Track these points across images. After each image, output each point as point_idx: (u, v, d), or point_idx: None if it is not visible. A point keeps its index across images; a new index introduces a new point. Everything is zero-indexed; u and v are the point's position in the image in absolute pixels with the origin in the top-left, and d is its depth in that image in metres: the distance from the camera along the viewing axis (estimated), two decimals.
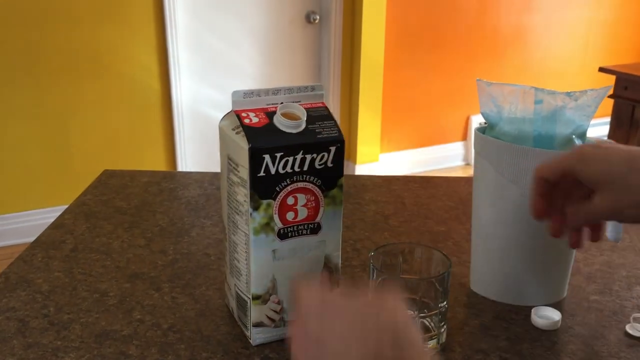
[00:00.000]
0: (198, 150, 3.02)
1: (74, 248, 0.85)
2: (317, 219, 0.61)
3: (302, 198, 0.60)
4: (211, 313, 0.70)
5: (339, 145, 0.60)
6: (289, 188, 0.59)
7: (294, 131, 0.58)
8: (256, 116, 0.59)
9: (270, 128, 0.58)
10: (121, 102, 2.78)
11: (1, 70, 2.53)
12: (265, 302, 0.63)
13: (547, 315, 0.69)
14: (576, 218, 0.57)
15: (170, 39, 2.76)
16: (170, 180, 1.10)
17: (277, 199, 0.59)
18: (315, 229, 0.61)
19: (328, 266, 0.64)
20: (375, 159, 3.39)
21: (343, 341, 0.40)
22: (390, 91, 3.33)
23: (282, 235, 0.60)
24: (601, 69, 2.68)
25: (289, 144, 0.58)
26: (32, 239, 0.94)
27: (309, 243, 0.62)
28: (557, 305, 0.71)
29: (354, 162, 3.35)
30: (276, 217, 0.60)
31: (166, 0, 2.69)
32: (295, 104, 0.61)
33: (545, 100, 0.66)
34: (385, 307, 0.42)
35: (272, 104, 0.60)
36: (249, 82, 3.06)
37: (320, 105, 0.62)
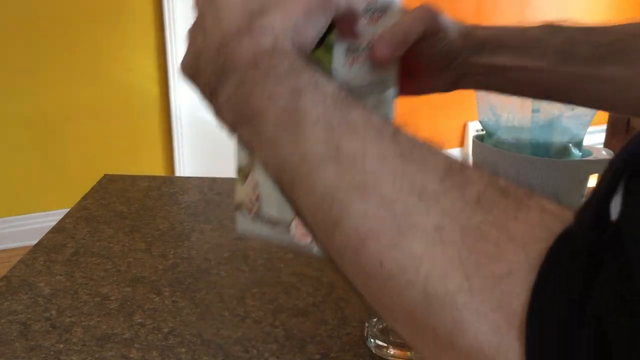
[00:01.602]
0: (196, 155, 3.03)
1: (75, 252, 0.85)
2: None
3: None
4: (211, 317, 0.71)
5: None
6: None
7: None
8: None
9: None
10: (119, 107, 2.79)
11: None
12: (245, 178, 0.52)
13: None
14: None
15: (170, 44, 2.77)
16: (170, 185, 1.10)
17: None
18: None
19: None
20: None
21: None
22: None
23: None
24: None
25: None
26: (29, 242, 0.95)
27: None
28: None
29: None
30: None
31: (165, 5, 2.70)
32: None
33: (542, 109, 0.67)
34: None
35: None
36: None
37: None
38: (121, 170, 2.79)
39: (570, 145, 0.67)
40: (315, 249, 0.46)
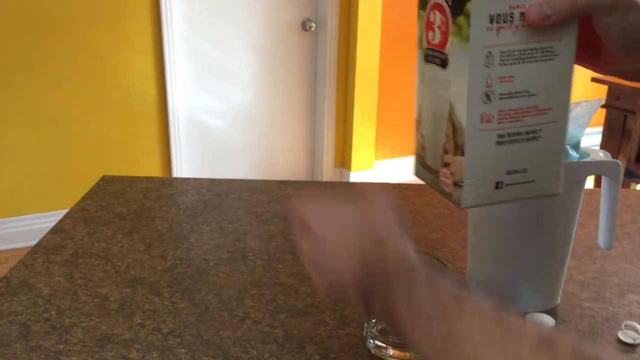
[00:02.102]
0: (193, 156, 3.03)
1: (74, 253, 0.86)
2: (445, 49, 0.50)
3: (438, 17, 0.50)
4: (211, 318, 0.71)
5: None
6: (432, 1, 0.51)
7: None
8: None
9: None
10: (117, 108, 2.79)
11: None
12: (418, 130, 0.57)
13: (541, 322, 0.70)
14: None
15: (167, 46, 2.77)
16: (169, 186, 1.11)
17: (425, 12, 0.52)
18: (444, 61, 0.50)
19: (451, 119, 0.51)
20: (370, 165, 3.41)
21: (338, 239, 0.49)
22: (385, 98, 3.35)
23: (426, 57, 0.53)
24: (593, 79, 2.71)
25: None
26: (28, 243, 0.95)
27: (439, 77, 0.51)
28: (551, 312, 0.73)
29: (349, 169, 3.37)
30: (423, 34, 0.53)
31: (163, 7, 2.71)
32: None
33: None
34: (373, 210, 0.50)
35: None
36: (244, 89, 3.07)
37: None
38: (119, 171, 2.80)
39: (568, 147, 0.68)
40: (456, 195, 0.51)
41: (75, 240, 0.90)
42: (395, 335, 0.49)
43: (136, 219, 0.97)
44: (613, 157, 0.73)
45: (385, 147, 3.48)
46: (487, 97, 0.48)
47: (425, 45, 0.52)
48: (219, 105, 3.04)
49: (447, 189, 0.52)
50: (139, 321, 0.70)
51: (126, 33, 2.70)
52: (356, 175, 3.36)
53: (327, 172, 3.38)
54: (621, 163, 0.70)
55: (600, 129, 2.72)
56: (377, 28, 3.18)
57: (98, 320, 0.70)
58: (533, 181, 0.51)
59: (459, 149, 0.49)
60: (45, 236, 0.90)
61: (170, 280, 0.79)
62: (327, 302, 0.74)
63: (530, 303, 0.73)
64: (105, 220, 0.96)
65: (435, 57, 0.51)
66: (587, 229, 0.96)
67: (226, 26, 2.93)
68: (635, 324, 0.69)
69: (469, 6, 0.45)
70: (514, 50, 0.47)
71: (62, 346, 0.65)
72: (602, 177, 0.69)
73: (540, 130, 0.49)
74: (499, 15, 0.46)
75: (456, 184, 0.50)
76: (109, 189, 1.08)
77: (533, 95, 0.48)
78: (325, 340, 0.67)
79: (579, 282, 0.81)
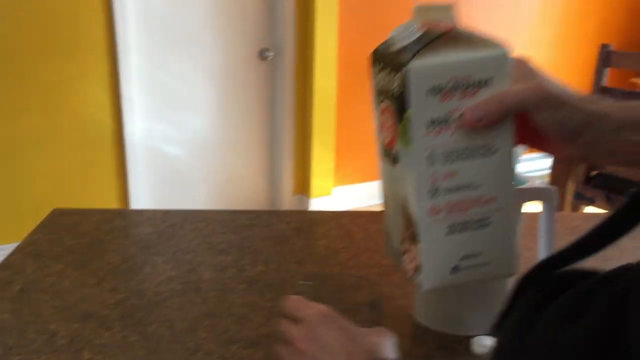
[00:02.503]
0: (151, 185, 3.00)
1: (22, 288, 0.84)
2: (394, 149, 0.53)
3: (387, 118, 0.53)
4: (162, 351, 0.71)
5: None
6: (382, 105, 0.54)
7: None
8: None
9: None
10: (72, 139, 2.75)
11: None
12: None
13: (487, 344, 0.72)
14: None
15: (123, 77, 2.76)
16: (123, 219, 1.10)
17: (378, 112, 0.55)
18: (394, 159, 0.54)
19: (405, 212, 0.54)
20: (328, 192, 3.44)
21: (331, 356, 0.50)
22: (343, 126, 3.39)
23: (381, 153, 0.56)
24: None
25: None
26: None
27: (393, 172, 0.55)
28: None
29: (308, 196, 3.39)
30: (378, 131, 0.56)
31: (119, 38, 2.70)
32: None
33: None
34: (370, 339, 0.52)
35: None
36: (202, 119, 3.07)
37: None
38: (75, 204, 2.75)
39: None
40: (416, 279, 0.53)
41: (24, 275, 0.88)
42: None
43: (88, 252, 0.96)
44: (562, 180, 0.76)
45: (345, 174, 3.51)
46: (434, 192, 0.51)
47: (380, 141, 0.56)
48: (177, 135, 3.03)
49: (409, 273, 0.55)
50: (88, 357, 0.69)
51: (81, 64, 2.68)
52: (316, 202, 3.38)
53: (287, 200, 3.39)
54: (571, 185, 0.73)
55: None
56: (334, 56, 3.24)
57: (46, 356, 0.69)
58: (488, 263, 0.53)
59: (414, 238, 0.52)
60: None
61: (122, 314, 0.79)
62: None
63: (477, 326, 0.75)
64: (56, 254, 0.95)
65: (387, 154, 0.55)
66: (531, 252, 0.99)
67: (183, 56, 2.94)
68: None
69: (410, 112, 0.49)
70: (454, 150, 0.50)
71: None
72: (542, 202, 0.72)
73: (489, 217, 0.52)
74: (438, 119, 0.49)
75: (416, 269, 0.53)
76: (60, 222, 1.07)
77: (478, 186, 0.51)
78: None
79: None
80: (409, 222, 0.53)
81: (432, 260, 0.52)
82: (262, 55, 3.15)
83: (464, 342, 0.74)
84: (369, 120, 3.48)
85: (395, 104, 0.51)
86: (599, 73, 2.68)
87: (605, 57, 2.65)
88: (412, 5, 0.53)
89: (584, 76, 3.97)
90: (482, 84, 0.49)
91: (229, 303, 0.82)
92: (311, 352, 0.52)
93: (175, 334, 0.74)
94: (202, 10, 2.95)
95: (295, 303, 0.56)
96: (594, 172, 2.47)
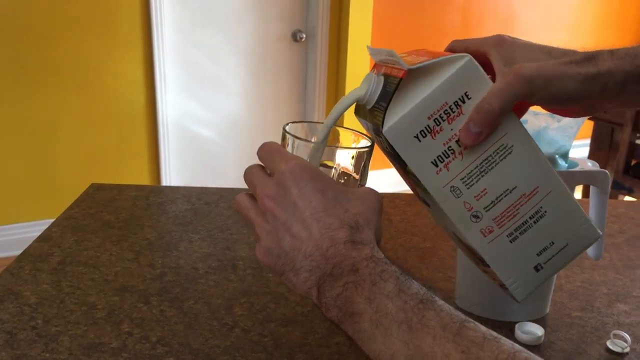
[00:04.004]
0: (182, 164, 3.02)
1: (62, 261, 0.85)
2: (421, 196, 0.55)
3: (398, 169, 0.55)
4: (199, 326, 0.70)
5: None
6: (388, 157, 0.55)
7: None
8: None
9: None
10: (107, 116, 2.78)
11: None
12: None
13: (530, 331, 0.70)
14: None
15: (157, 54, 2.77)
16: (158, 195, 1.10)
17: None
18: (427, 204, 0.56)
19: (465, 241, 0.54)
20: None
21: (314, 212, 0.45)
22: None
23: (417, 198, 0.57)
24: None
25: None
26: (16, 252, 0.94)
27: (435, 212, 0.55)
28: (540, 321, 0.73)
29: None
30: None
31: (154, 15, 2.71)
32: None
33: (529, 121, 0.68)
34: (355, 208, 0.47)
35: None
36: (234, 99, 3.07)
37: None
38: (108, 180, 2.79)
39: (557, 156, 0.68)
40: (508, 293, 0.53)
41: (62, 248, 0.89)
42: (341, 325, 0.45)
43: (125, 227, 0.96)
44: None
45: (378, 157, 3.48)
46: (476, 216, 0.50)
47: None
48: (209, 114, 3.03)
49: (500, 287, 0.54)
50: (127, 329, 0.69)
51: (117, 41, 2.70)
52: None
53: None
54: (609, 175, 0.70)
55: (588, 141, 2.74)
56: (368, 37, 3.20)
57: (85, 328, 0.69)
58: (566, 244, 0.52)
59: (484, 262, 0.51)
60: (32, 244, 0.89)
61: (159, 289, 0.78)
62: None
63: (520, 313, 0.73)
64: (94, 229, 0.95)
65: (419, 199, 0.55)
66: None
67: (217, 35, 2.94)
68: (623, 333, 0.69)
69: (410, 167, 0.49)
70: (471, 171, 0.48)
71: (48, 355, 0.64)
72: (591, 187, 0.70)
73: (541, 207, 0.50)
74: (439, 156, 0.48)
75: (502, 286, 0.53)
76: (98, 197, 1.08)
77: (514, 188, 0.49)
78: (314, 349, 0.67)
79: (568, 292, 0.81)
80: (471, 250, 0.52)
81: (510, 274, 0.51)
82: (295, 37, 3.12)
83: (506, 328, 0.72)
84: None
85: (394, 161, 0.51)
86: None
87: None
88: None
89: None
90: (461, 101, 0.47)
91: (265, 281, 0.81)
92: (281, 220, 0.45)
93: (212, 310, 0.74)
94: None
95: (270, 152, 0.48)
96: (634, 162, 2.41)
